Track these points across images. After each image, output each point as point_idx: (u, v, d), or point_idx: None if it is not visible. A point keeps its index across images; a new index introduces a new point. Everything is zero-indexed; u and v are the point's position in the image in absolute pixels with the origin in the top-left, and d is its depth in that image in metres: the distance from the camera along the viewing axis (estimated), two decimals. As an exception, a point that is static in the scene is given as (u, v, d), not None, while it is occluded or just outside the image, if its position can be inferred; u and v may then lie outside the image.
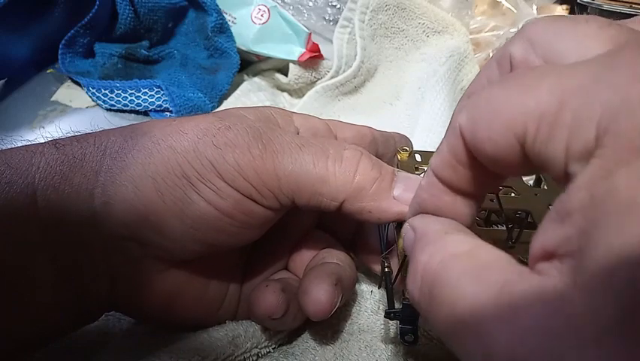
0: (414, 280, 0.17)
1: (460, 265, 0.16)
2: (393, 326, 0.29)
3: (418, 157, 0.30)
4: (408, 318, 0.24)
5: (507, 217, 0.24)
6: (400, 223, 0.29)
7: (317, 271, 0.26)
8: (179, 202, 0.23)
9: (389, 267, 0.25)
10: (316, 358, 0.28)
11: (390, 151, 0.31)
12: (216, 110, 0.49)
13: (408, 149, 0.30)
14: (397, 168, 0.29)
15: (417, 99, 0.50)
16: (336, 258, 0.27)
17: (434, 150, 0.31)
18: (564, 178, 0.14)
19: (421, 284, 0.17)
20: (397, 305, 0.25)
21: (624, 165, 0.12)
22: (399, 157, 0.29)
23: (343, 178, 0.23)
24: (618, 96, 0.13)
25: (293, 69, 0.52)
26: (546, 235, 0.14)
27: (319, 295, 0.24)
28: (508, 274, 0.14)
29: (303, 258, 0.29)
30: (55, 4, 0.47)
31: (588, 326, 0.11)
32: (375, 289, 0.31)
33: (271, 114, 0.27)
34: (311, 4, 0.58)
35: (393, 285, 0.25)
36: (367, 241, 0.30)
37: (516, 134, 0.15)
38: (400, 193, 0.24)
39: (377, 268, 0.29)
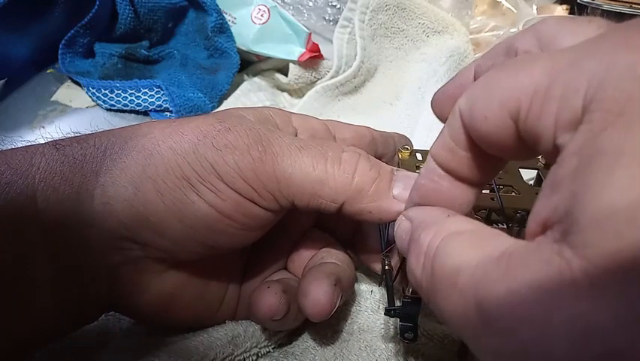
0: (417, 260, 0.17)
1: (462, 239, 0.16)
2: (394, 325, 0.29)
3: (419, 156, 0.30)
4: (408, 316, 0.24)
5: (508, 216, 0.24)
6: None
7: (316, 271, 0.26)
8: (179, 203, 0.23)
9: (389, 265, 0.25)
10: (316, 358, 0.28)
11: (390, 151, 0.31)
12: (216, 110, 0.49)
13: (409, 148, 0.30)
14: (398, 167, 0.29)
15: (417, 99, 0.50)
16: (335, 257, 0.27)
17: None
18: (554, 153, 0.14)
19: (424, 261, 0.17)
20: (398, 303, 0.25)
21: (610, 125, 0.12)
22: (400, 156, 0.29)
23: (342, 180, 0.23)
24: (603, 65, 0.13)
25: (293, 69, 0.52)
26: (538, 209, 0.14)
27: (319, 297, 0.24)
28: (510, 244, 0.14)
29: (302, 258, 0.29)
30: (55, 4, 0.47)
31: (581, 277, 0.12)
32: (375, 288, 0.31)
33: (270, 115, 0.27)
34: (311, 4, 0.58)
35: (393, 283, 0.25)
36: (367, 240, 0.30)
37: (510, 112, 0.15)
38: (400, 192, 0.24)
39: (377, 266, 0.29)
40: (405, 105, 0.51)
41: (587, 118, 0.13)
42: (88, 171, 0.23)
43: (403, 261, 0.24)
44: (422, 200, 0.20)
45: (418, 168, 0.29)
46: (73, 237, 0.22)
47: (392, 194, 0.24)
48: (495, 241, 0.15)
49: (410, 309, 0.24)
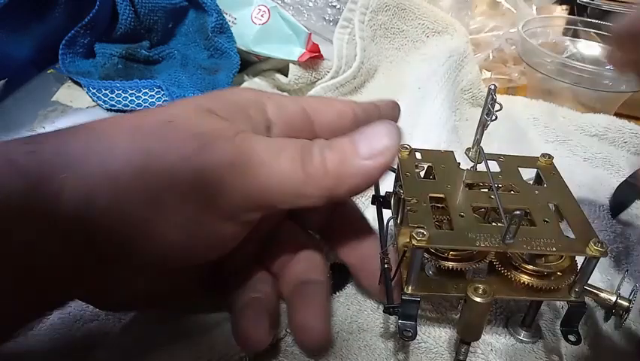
0: None
1: None
2: (393, 325, 0.29)
3: (418, 155, 0.30)
4: (407, 314, 0.24)
5: (506, 214, 0.24)
6: (398, 220, 0.29)
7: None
8: (152, 223, 0.22)
9: (388, 263, 0.26)
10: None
11: (374, 119, 0.29)
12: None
13: (408, 147, 0.30)
14: (398, 165, 0.29)
15: (417, 99, 0.50)
16: (315, 271, 0.28)
17: (434, 149, 0.31)
18: None
19: None
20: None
21: None
22: (399, 155, 0.29)
23: (321, 175, 0.23)
24: None
25: (293, 69, 0.52)
26: None
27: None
28: None
29: (281, 258, 0.29)
30: (55, 5, 0.47)
31: None
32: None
33: (245, 107, 0.25)
34: (311, 4, 0.58)
35: (392, 281, 0.25)
36: (343, 233, 0.30)
37: None
38: (366, 150, 0.23)
39: (351, 260, 0.29)
40: (405, 105, 0.51)
41: None
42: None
43: (402, 259, 0.24)
44: None
45: (417, 167, 0.29)
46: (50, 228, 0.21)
47: (361, 159, 0.23)
48: None
49: (409, 307, 0.24)
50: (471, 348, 0.27)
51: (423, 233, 0.23)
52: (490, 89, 0.26)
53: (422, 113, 0.48)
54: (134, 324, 0.29)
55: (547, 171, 0.29)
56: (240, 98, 0.26)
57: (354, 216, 0.31)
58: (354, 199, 0.33)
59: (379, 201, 0.30)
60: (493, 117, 0.26)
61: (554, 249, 0.23)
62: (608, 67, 0.58)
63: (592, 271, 0.24)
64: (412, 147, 0.31)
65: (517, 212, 0.22)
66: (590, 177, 0.45)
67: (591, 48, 0.62)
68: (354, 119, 0.28)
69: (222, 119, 0.24)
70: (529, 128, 0.51)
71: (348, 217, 0.31)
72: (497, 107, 0.26)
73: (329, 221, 0.31)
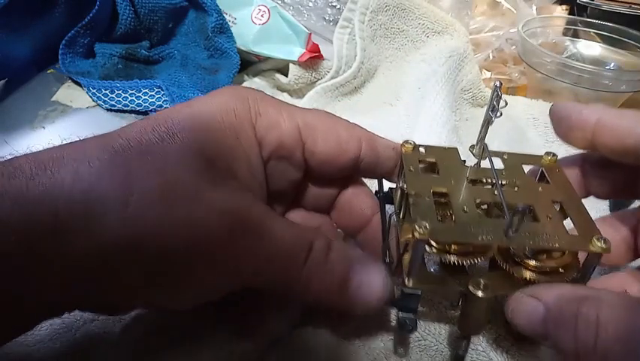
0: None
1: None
2: (393, 321, 0.29)
3: (422, 150, 0.30)
4: (407, 307, 0.25)
5: (509, 208, 0.25)
6: (400, 215, 0.28)
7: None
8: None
9: (390, 257, 0.26)
10: (311, 356, 0.28)
11: (385, 162, 0.29)
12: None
13: (412, 143, 0.30)
14: (401, 160, 0.29)
15: (417, 99, 0.50)
16: None
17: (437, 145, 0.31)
18: None
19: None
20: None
21: None
22: (403, 150, 0.29)
23: (313, 285, 0.23)
24: None
25: (293, 69, 0.52)
26: None
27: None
28: None
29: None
30: (55, 5, 0.47)
31: None
32: None
33: (236, 133, 0.24)
34: (311, 4, 0.58)
35: (394, 275, 0.25)
36: (349, 214, 0.30)
37: None
38: (359, 299, 0.24)
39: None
40: (405, 105, 0.51)
41: None
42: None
43: (404, 252, 0.24)
44: None
45: (420, 162, 0.29)
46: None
47: (351, 303, 0.24)
48: None
49: (409, 300, 0.24)
50: (472, 345, 0.27)
51: (425, 226, 0.23)
52: (495, 85, 0.26)
53: (422, 113, 0.48)
54: (134, 324, 0.29)
55: (551, 169, 0.29)
56: (233, 122, 0.24)
57: (362, 199, 0.30)
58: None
59: (382, 197, 0.30)
60: (498, 114, 0.26)
61: (557, 245, 0.23)
62: (608, 67, 0.58)
63: (594, 268, 0.24)
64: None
65: (520, 206, 0.22)
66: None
67: (591, 48, 0.62)
68: (356, 158, 0.27)
69: (219, 183, 0.22)
70: (529, 128, 0.51)
71: (357, 199, 0.30)
72: (502, 103, 0.26)
73: (334, 207, 0.30)
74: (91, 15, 0.48)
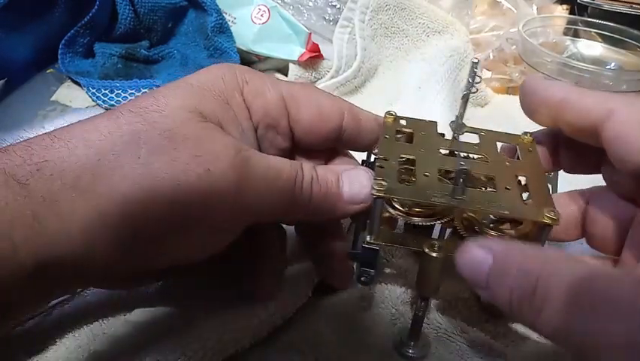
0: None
1: None
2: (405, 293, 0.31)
3: (402, 122, 0.30)
4: (366, 261, 0.26)
5: (472, 178, 0.26)
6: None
7: None
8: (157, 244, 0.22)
9: (361, 215, 0.27)
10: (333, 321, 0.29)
11: (364, 135, 0.30)
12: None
13: (394, 113, 0.30)
14: (384, 131, 0.29)
15: (417, 99, 0.50)
16: None
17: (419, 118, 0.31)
18: None
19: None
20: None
21: None
22: (385, 121, 0.30)
23: (305, 203, 0.25)
24: None
25: (293, 69, 0.52)
26: None
27: None
28: None
29: None
30: (55, 5, 0.47)
31: None
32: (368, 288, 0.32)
33: (228, 98, 0.26)
34: (311, 4, 0.58)
35: (364, 230, 0.27)
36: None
37: None
38: (348, 196, 0.26)
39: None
40: (405, 105, 0.51)
41: None
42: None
43: (371, 210, 0.26)
44: None
45: (399, 132, 0.29)
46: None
47: (343, 203, 0.26)
48: None
49: (369, 255, 0.26)
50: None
51: (382, 184, 0.24)
52: (473, 62, 0.27)
53: (422, 113, 0.48)
54: (136, 314, 0.29)
55: (525, 148, 0.29)
56: (222, 88, 0.26)
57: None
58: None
59: (368, 165, 0.31)
60: (474, 89, 0.28)
61: (507, 212, 0.24)
62: (608, 66, 0.58)
63: (544, 240, 0.25)
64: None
65: (463, 165, 0.23)
66: (591, 176, 0.44)
67: (591, 48, 0.61)
68: (339, 128, 0.28)
69: (217, 129, 0.24)
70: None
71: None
72: (477, 79, 0.27)
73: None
74: (90, 15, 0.48)
